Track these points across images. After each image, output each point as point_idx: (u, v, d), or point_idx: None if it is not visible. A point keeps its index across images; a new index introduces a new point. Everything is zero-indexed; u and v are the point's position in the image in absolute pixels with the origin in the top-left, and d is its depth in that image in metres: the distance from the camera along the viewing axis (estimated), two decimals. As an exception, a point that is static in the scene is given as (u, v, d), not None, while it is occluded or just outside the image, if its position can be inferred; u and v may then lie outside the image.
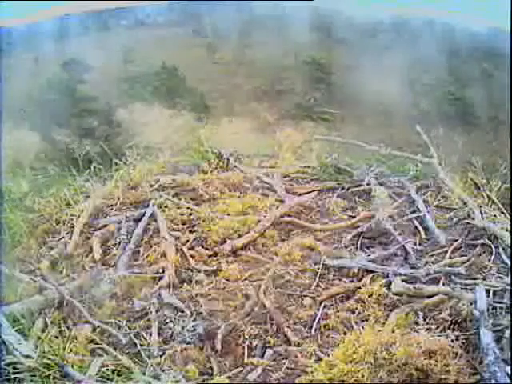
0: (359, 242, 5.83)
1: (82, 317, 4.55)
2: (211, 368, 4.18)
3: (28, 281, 4.97)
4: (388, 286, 4.87)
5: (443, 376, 3.78)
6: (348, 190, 7.04)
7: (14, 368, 3.90)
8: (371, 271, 5.15)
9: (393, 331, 4.13)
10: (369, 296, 4.78)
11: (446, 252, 5.52)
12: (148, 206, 6.38)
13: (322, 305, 4.83)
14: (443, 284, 4.90)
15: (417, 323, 4.38)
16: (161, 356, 4.21)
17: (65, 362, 3.94)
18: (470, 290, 4.66)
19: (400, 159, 7.91)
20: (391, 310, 4.60)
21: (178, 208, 6.41)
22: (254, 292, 4.93)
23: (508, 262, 5.25)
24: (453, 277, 5.03)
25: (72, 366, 3.94)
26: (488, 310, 4.31)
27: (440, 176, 7.10)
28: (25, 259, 5.48)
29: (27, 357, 3.94)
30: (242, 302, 4.85)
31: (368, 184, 7.01)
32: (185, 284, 5.18)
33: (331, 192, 7.05)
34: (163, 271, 5.26)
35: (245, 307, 4.76)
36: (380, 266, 5.24)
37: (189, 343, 4.34)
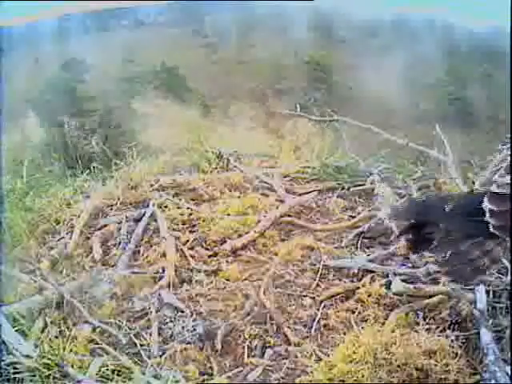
0: (359, 242, 5.83)
1: (81, 317, 4.54)
2: (211, 368, 4.18)
3: (28, 281, 4.97)
4: (388, 286, 4.87)
5: (443, 376, 3.78)
6: (348, 189, 7.04)
7: (14, 368, 3.89)
8: (371, 271, 5.15)
9: (393, 331, 4.13)
10: (369, 296, 4.78)
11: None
12: (148, 205, 6.38)
13: (322, 305, 4.83)
14: (443, 284, 4.90)
15: (417, 323, 4.38)
16: (161, 356, 4.21)
17: (65, 362, 3.94)
18: (470, 289, 4.65)
19: (400, 160, 7.90)
20: (391, 310, 4.59)
21: (178, 208, 6.42)
22: (253, 292, 4.92)
23: (507, 262, 5.25)
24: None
25: (72, 366, 3.94)
26: (488, 309, 4.31)
27: (452, 175, 7.05)
28: (25, 259, 5.48)
29: (27, 357, 3.94)
30: (241, 302, 4.84)
31: (372, 182, 7.00)
32: (185, 284, 5.18)
33: (331, 192, 7.03)
34: (163, 271, 5.26)
35: (245, 307, 4.76)
36: (380, 265, 5.24)
37: (189, 343, 4.34)
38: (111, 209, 6.54)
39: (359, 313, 4.65)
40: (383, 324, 4.36)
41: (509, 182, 3.16)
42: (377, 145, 9.06)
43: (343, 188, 7.08)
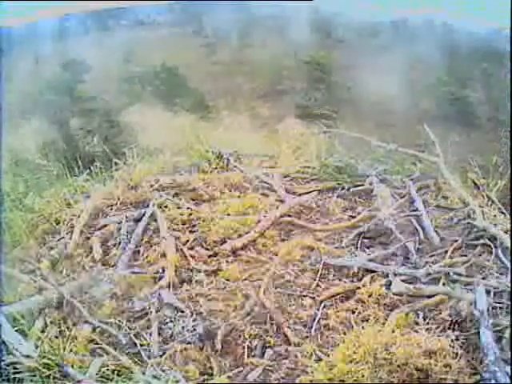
0: (359, 242, 5.83)
1: (82, 317, 4.55)
2: (211, 368, 4.19)
3: (28, 281, 4.98)
4: (388, 286, 4.87)
5: (443, 376, 3.78)
6: (348, 190, 7.04)
7: (14, 368, 3.90)
8: (371, 271, 5.15)
9: (393, 331, 4.13)
10: (369, 296, 4.78)
11: (446, 252, 5.51)
12: (148, 206, 6.38)
13: (322, 305, 4.83)
14: (443, 284, 4.90)
15: (417, 323, 4.38)
16: (161, 356, 4.21)
17: (65, 362, 3.95)
18: (470, 290, 4.65)
19: (399, 159, 7.90)
20: (391, 310, 4.60)
21: (178, 208, 6.42)
22: (253, 292, 4.93)
23: (507, 262, 5.25)
24: (453, 277, 5.02)
25: (72, 366, 3.95)
26: (488, 309, 4.31)
27: (445, 176, 7.05)
28: (25, 259, 5.48)
29: (27, 357, 3.95)
30: (242, 302, 4.85)
31: (370, 183, 7.00)
32: (185, 284, 5.19)
33: (331, 192, 7.04)
34: (163, 271, 5.26)
35: (245, 307, 4.77)
36: (380, 265, 5.24)
37: (189, 343, 4.35)
38: (111, 209, 6.55)
39: (359, 313, 4.66)
40: (383, 324, 4.37)
41: None
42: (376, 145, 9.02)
43: (343, 188, 7.08)
